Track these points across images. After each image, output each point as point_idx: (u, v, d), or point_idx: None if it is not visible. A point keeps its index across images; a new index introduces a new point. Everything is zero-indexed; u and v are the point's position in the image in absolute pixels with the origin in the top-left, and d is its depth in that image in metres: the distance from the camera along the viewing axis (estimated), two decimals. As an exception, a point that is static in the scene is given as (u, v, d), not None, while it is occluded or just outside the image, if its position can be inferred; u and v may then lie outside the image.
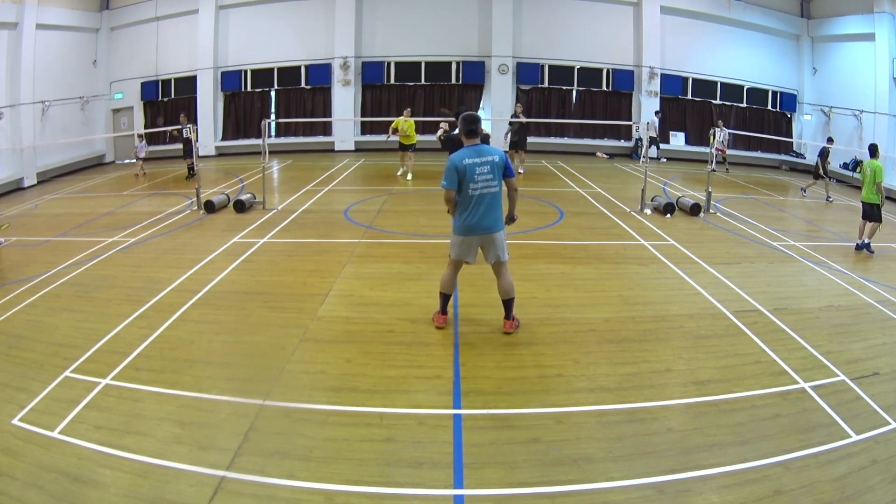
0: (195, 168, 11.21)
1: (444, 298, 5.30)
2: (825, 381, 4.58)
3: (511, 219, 5.25)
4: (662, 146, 19.27)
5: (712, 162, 11.06)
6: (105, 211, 10.92)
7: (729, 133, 15.68)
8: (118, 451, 3.59)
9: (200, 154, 13.08)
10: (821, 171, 13.40)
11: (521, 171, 14.38)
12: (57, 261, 7.54)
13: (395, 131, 13.76)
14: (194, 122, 17.16)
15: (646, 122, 13.87)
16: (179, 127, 13.79)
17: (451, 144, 7.05)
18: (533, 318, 5.71)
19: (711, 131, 11.43)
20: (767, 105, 19.49)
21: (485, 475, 3.42)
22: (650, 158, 14.30)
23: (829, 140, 14.67)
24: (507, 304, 5.29)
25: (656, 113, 18.24)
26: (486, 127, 19.67)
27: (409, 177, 13.82)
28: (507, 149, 14.79)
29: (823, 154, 13.47)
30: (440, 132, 11.30)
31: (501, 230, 5.04)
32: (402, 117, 13.87)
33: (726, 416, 4.07)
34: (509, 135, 15.10)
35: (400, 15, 19.03)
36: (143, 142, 15.97)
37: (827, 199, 13.39)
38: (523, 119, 14.82)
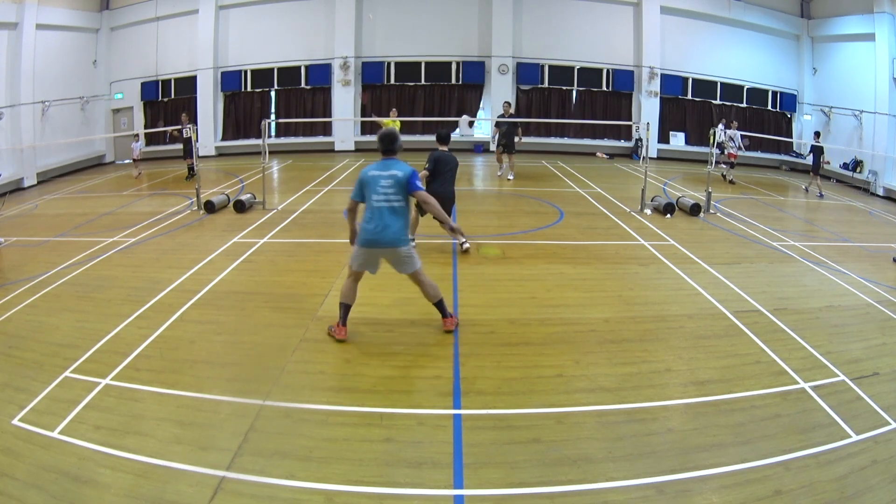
0: (195, 168, 11.21)
1: (345, 309, 5.16)
2: (825, 382, 4.58)
3: (451, 229, 5.58)
4: (661, 146, 19.27)
5: (712, 163, 11.01)
6: (105, 211, 10.92)
7: (742, 136, 14.93)
8: (118, 451, 3.59)
9: (200, 154, 13.08)
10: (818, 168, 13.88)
11: (511, 178, 13.72)
12: (57, 261, 7.54)
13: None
14: (194, 122, 17.17)
15: (727, 136, 14.02)
16: (180, 127, 13.78)
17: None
18: (533, 318, 5.71)
19: (712, 131, 11.39)
20: (767, 105, 19.49)
21: (485, 475, 3.42)
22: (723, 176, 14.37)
23: (816, 134, 15.00)
24: (438, 305, 5.28)
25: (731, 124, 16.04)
26: (485, 127, 19.73)
27: None
28: (494, 150, 14.58)
29: (818, 150, 13.85)
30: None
31: (405, 245, 4.99)
32: (389, 117, 13.96)
33: (726, 416, 4.08)
34: (496, 136, 14.39)
35: (400, 15, 19.03)
36: (139, 142, 15.89)
37: (819, 196, 13.74)
38: (509, 119, 13.92)
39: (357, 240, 5.05)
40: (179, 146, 15.30)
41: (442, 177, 7.48)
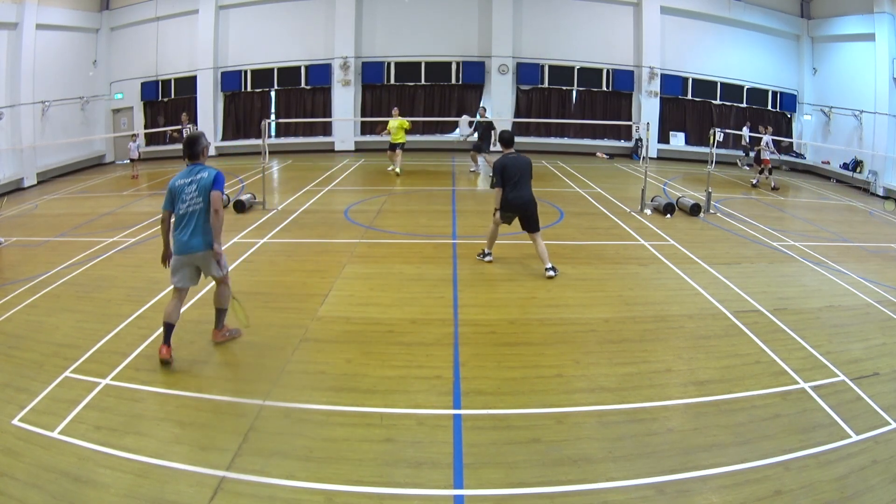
0: None
1: (168, 328, 4.76)
2: (825, 382, 4.58)
3: (209, 244, 4.75)
4: (661, 146, 19.27)
5: (712, 163, 11.00)
6: (105, 211, 10.92)
7: (771, 140, 14.59)
8: (118, 451, 3.59)
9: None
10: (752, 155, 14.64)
11: (475, 170, 14.80)
12: (57, 261, 7.54)
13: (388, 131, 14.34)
14: (194, 122, 17.17)
15: (763, 142, 14.03)
16: (179, 127, 13.80)
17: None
18: (533, 318, 5.71)
19: (712, 131, 11.37)
20: (767, 105, 19.49)
21: (485, 475, 3.42)
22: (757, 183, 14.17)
23: (753, 127, 15.38)
24: (218, 313, 5.12)
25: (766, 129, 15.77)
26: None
27: (398, 170, 14.22)
28: (472, 150, 14.98)
29: (753, 141, 14.35)
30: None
31: (204, 250, 4.76)
32: (391, 117, 14.23)
33: (726, 417, 4.07)
34: (475, 135, 14.89)
35: (400, 15, 19.04)
36: (137, 142, 15.83)
37: (754, 184, 14.52)
38: (484, 120, 14.64)
39: (172, 249, 4.83)
40: (179, 146, 15.31)
41: (514, 182, 6.87)
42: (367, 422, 3.96)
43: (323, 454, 3.59)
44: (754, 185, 14.45)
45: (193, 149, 4.83)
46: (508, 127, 19.19)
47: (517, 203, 6.89)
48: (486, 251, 7.39)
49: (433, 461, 3.54)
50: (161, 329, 4.85)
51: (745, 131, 17.13)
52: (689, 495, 3.30)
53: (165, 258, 4.90)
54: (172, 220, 4.81)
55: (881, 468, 3.54)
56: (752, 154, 16.31)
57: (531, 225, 6.96)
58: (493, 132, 14.44)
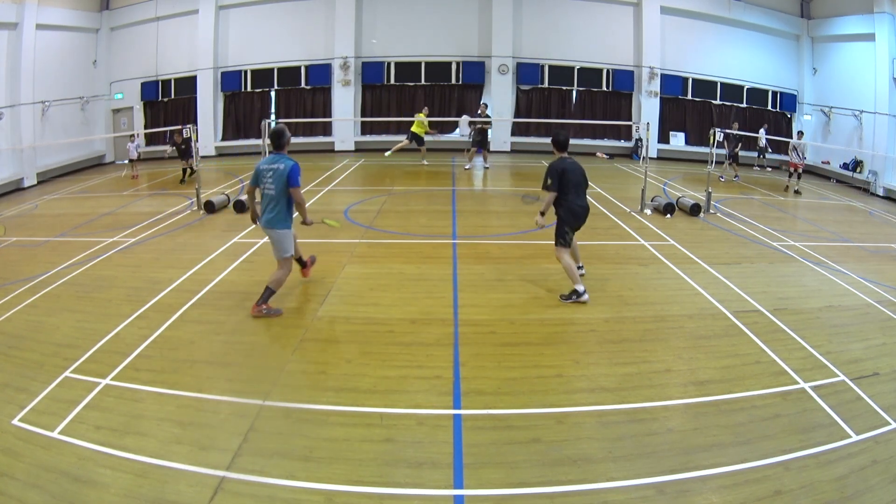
0: (196, 167, 11.20)
1: (269, 293, 5.75)
2: (825, 382, 4.58)
3: (304, 222, 5.91)
4: (661, 146, 19.27)
5: (712, 162, 10.99)
6: (105, 211, 10.92)
7: (798, 144, 14.40)
8: (118, 451, 3.59)
9: (200, 154, 13.06)
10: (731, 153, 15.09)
11: (488, 166, 15.33)
12: (57, 261, 7.55)
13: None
14: (194, 122, 17.17)
15: (790, 146, 13.99)
16: (180, 127, 13.79)
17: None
18: (533, 318, 5.71)
19: (712, 131, 11.34)
20: (767, 105, 19.49)
21: (485, 475, 3.42)
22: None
23: (730, 127, 15.47)
24: (266, 291, 5.70)
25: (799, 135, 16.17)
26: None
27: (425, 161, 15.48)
28: (471, 147, 15.34)
29: (730, 137, 14.62)
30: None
31: (277, 230, 5.59)
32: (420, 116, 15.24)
33: (726, 417, 4.07)
34: (472, 133, 15.34)
35: (400, 15, 19.03)
36: (136, 142, 15.73)
37: (734, 178, 15.17)
38: (479, 121, 14.98)
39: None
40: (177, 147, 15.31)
41: (576, 190, 6.21)
42: (367, 422, 3.96)
43: (323, 454, 3.59)
44: (793, 190, 14.22)
45: (279, 140, 5.66)
46: (508, 127, 19.38)
47: (583, 212, 6.25)
48: (578, 288, 6.17)
49: (433, 461, 3.54)
50: (162, 328, 4.86)
51: (763, 133, 17.07)
52: (689, 495, 3.30)
53: (254, 219, 5.98)
54: (257, 193, 5.75)
55: (881, 468, 3.54)
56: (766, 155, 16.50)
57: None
58: (488, 131, 15.05)
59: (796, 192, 14.01)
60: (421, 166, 15.32)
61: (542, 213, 6.19)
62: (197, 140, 12.28)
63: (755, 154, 18.27)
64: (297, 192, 5.56)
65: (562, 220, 6.15)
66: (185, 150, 13.89)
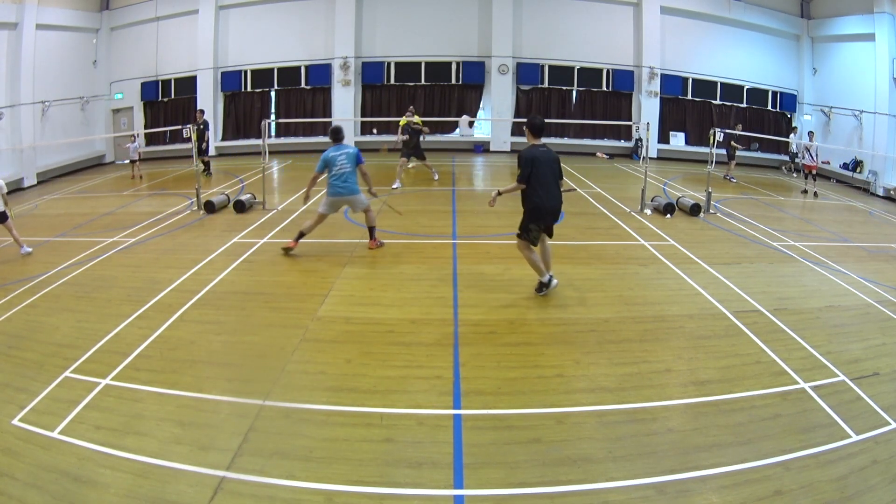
0: (208, 160, 11.16)
1: (300, 235, 7.80)
2: (825, 382, 4.58)
3: (370, 193, 7.99)
4: (661, 146, 19.26)
5: (712, 162, 10.97)
6: (105, 211, 10.92)
7: (811, 145, 14.19)
8: (118, 451, 3.59)
9: (199, 155, 13.06)
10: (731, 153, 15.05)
11: (435, 177, 13.23)
12: (57, 261, 7.55)
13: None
14: (194, 121, 17.17)
15: (802, 147, 13.97)
16: (201, 109, 13.85)
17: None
18: (533, 319, 5.71)
19: (712, 131, 11.31)
20: (767, 105, 19.50)
21: (485, 475, 3.42)
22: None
23: (735, 126, 15.75)
24: (371, 229, 8.04)
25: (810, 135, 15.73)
26: (485, 127, 19.77)
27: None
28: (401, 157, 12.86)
29: (729, 138, 14.65)
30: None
31: (356, 194, 7.69)
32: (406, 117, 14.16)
33: (726, 417, 4.07)
34: (402, 143, 12.83)
35: (400, 15, 19.03)
36: (136, 143, 15.51)
37: (730, 179, 15.05)
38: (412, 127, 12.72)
39: (328, 192, 7.68)
40: (180, 146, 15.33)
41: (541, 182, 5.76)
42: (367, 422, 3.96)
43: (323, 454, 3.59)
44: (811, 192, 14.05)
45: (339, 135, 7.75)
46: (508, 127, 19.38)
47: (551, 209, 5.89)
48: (544, 278, 6.13)
49: (433, 461, 3.54)
50: (162, 328, 4.85)
51: (793, 138, 16.87)
52: (689, 495, 3.30)
53: (306, 198, 8.15)
54: (322, 177, 7.68)
55: (881, 468, 3.54)
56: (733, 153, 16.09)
57: (549, 231, 6.22)
58: (420, 137, 12.82)
59: (814, 194, 13.85)
60: (420, 166, 15.29)
61: (500, 193, 5.97)
62: (207, 129, 12.20)
63: (786, 158, 18.38)
64: (364, 167, 7.72)
65: (527, 216, 5.91)
66: (200, 144, 13.96)
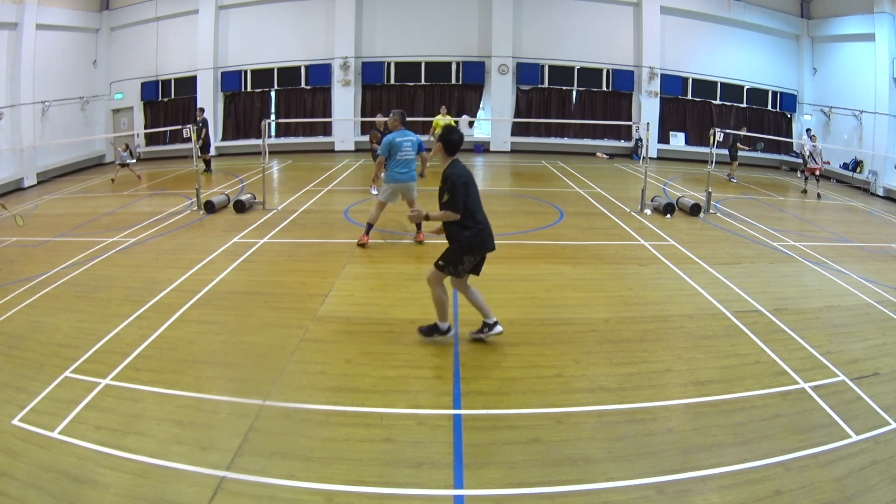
0: (209, 159, 11.19)
1: (369, 227, 7.95)
2: (825, 382, 4.58)
3: (421, 175, 8.54)
4: (661, 146, 19.26)
5: (712, 162, 10.97)
6: (105, 211, 10.92)
7: (814, 147, 14.07)
8: (118, 451, 3.59)
9: (200, 154, 13.06)
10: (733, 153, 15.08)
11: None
12: (57, 261, 7.54)
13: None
14: (194, 121, 17.17)
15: (808, 149, 13.83)
16: (202, 107, 13.83)
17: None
18: (533, 318, 5.71)
19: (712, 131, 11.31)
20: (767, 105, 19.51)
21: (485, 475, 3.42)
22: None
23: (739, 128, 15.75)
24: (418, 225, 8.12)
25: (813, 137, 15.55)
26: (485, 127, 19.80)
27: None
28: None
29: (734, 139, 14.74)
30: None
31: (415, 181, 7.93)
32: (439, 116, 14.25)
33: (726, 417, 4.07)
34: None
35: (400, 15, 19.05)
36: (126, 152, 14.84)
37: (731, 179, 15.07)
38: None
39: (386, 179, 7.85)
40: (181, 146, 15.32)
41: (478, 205, 4.81)
42: (367, 422, 3.96)
43: (323, 454, 3.59)
44: (818, 195, 13.96)
45: (404, 118, 7.86)
46: (509, 127, 19.38)
47: (489, 237, 4.83)
48: (442, 325, 5.02)
49: (433, 461, 3.54)
50: (162, 328, 4.84)
51: (805, 139, 16.74)
52: (689, 495, 3.30)
53: (374, 180, 9.13)
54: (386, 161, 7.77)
55: (881, 468, 3.54)
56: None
57: (480, 266, 4.98)
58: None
59: (817, 195, 13.77)
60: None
61: (427, 218, 4.99)
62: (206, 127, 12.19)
63: (788, 158, 18.39)
64: (425, 154, 8.11)
65: (463, 247, 4.73)
66: (204, 146, 13.98)
